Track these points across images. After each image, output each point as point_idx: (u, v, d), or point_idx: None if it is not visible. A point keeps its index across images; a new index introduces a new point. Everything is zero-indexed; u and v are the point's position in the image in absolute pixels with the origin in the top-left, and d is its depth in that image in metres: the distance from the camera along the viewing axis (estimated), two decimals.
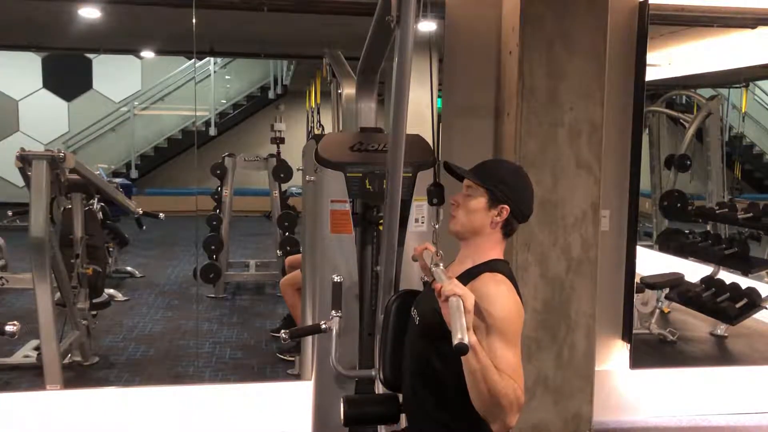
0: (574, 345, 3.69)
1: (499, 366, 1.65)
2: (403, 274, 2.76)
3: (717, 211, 6.12)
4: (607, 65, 3.61)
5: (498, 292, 1.76)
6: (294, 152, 4.64)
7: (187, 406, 3.83)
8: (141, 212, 6.08)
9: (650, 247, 6.84)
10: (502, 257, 1.92)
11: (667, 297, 5.73)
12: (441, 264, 1.90)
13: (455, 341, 1.49)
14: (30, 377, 4.48)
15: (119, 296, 6.58)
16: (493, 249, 1.90)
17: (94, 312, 5.16)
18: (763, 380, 4.33)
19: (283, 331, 2.71)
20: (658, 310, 5.59)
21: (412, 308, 2.02)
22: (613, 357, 4.11)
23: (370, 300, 2.85)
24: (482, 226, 1.88)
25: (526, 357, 3.56)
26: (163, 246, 9.20)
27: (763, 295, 5.44)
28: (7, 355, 4.75)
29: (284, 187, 7.17)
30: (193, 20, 4.25)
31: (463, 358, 1.61)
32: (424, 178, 2.76)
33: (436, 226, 2.06)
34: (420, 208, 2.79)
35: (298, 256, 4.97)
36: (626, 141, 4.02)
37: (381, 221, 2.57)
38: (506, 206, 1.87)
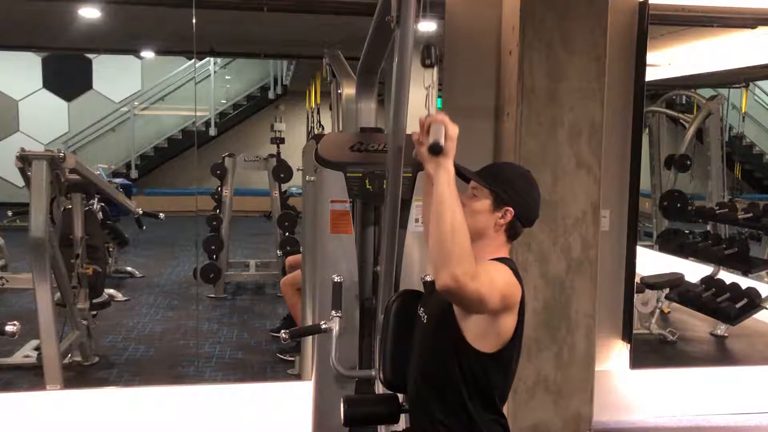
0: (574, 345, 3.68)
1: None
2: (403, 274, 2.76)
3: (717, 211, 6.12)
4: (607, 65, 3.61)
5: (496, 265, 1.79)
6: (294, 152, 4.65)
7: (187, 406, 3.82)
8: (141, 212, 6.09)
9: (650, 247, 6.84)
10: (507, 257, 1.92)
11: (667, 297, 5.73)
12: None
13: (431, 141, 1.55)
14: (30, 377, 4.48)
15: (119, 296, 6.58)
16: (496, 252, 1.89)
17: (94, 312, 5.16)
18: (763, 380, 4.33)
19: (283, 331, 2.71)
20: (658, 310, 5.59)
21: (419, 307, 2.01)
22: (613, 357, 4.11)
23: (370, 300, 2.85)
24: (486, 228, 1.88)
25: (526, 357, 3.57)
26: (163, 246, 9.20)
27: (763, 295, 5.44)
28: (7, 355, 4.76)
29: (284, 187, 7.18)
30: (193, 20, 4.25)
31: (435, 182, 1.65)
32: (422, 188, 2.76)
33: (430, 87, 2.02)
34: (420, 208, 2.79)
35: (298, 256, 4.97)
36: (626, 141, 4.02)
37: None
38: (510, 208, 1.87)
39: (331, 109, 5.73)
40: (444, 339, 1.84)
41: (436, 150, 1.60)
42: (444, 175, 1.64)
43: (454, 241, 1.61)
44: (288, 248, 6.47)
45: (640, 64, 3.97)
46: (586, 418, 3.75)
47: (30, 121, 13.14)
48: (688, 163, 6.70)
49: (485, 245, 1.89)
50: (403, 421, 2.18)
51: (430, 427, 1.90)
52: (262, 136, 10.03)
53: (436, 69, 2.14)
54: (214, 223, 6.91)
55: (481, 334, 1.78)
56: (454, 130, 1.66)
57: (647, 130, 6.86)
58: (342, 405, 2.13)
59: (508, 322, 1.79)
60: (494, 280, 1.71)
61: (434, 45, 1.92)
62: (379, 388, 2.41)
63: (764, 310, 5.48)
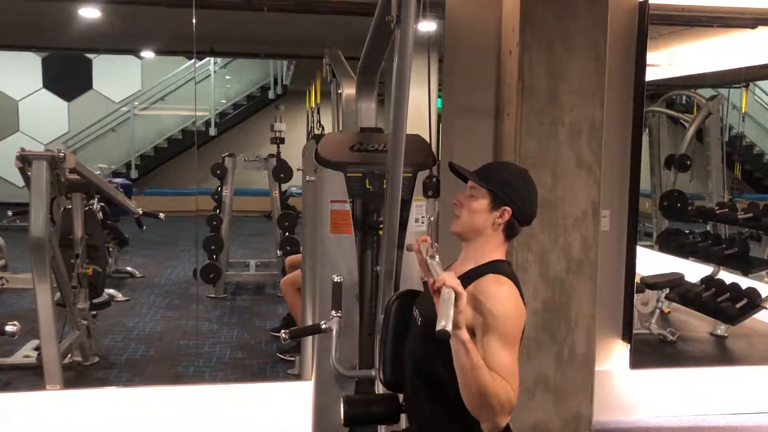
0: (574, 345, 3.69)
1: (492, 365, 1.65)
2: (403, 274, 2.76)
3: (717, 211, 6.12)
4: (607, 65, 3.61)
5: (500, 292, 1.77)
6: (294, 152, 4.65)
7: (187, 406, 3.82)
8: (141, 212, 6.08)
9: (650, 247, 6.84)
10: (504, 258, 1.92)
11: (667, 297, 5.73)
12: (437, 256, 1.89)
13: (438, 327, 1.48)
14: (30, 377, 4.48)
15: (119, 296, 6.58)
16: (495, 251, 1.90)
17: (94, 312, 5.16)
18: (763, 380, 4.33)
19: (283, 331, 2.71)
20: (658, 310, 5.59)
21: (414, 308, 2.01)
22: (613, 357, 4.11)
23: (370, 300, 2.85)
24: (484, 228, 1.88)
25: (526, 357, 3.56)
26: (163, 246, 9.20)
27: (763, 295, 5.44)
28: (7, 355, 4.75)
29: (284, 187, 7.18)
30: (193, 20, 4.25)
31: (453, 353, 1.62)
32: (424, 178, 2.76)
33: (432, 218, 2.05)
34: (420, 208, 2.79)
35: (298, 256, 4.97)
36: (626, 141, 4.02)
37: (381, 226, 2.55)
38: (508, 208, 1.87)
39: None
40: (437, 344, 1.83)
41: (444, 337, 1.49)
42: (460, 347, 1.61)
43: (485, 402, 1.64)
44: (288, 248, 6.47)
45: (640, 64, 3.96)
46: (586, 418, 3.75)
47: (30, 121, 13.13)
48: (688, 163, 6.70)
49: (483, 244, 1.89)
50: (403, 421, 2.18)
51: (426, 426, 1.90)
52: (262, 136, 10.01)
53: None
54: (214, 223, 6.91)
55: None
56: (463, 301, 1.59)
57: (647, 130, 6.85)
58: (342, 405, 2.13)
59: None
60: (513, 366, 1.71)
61: (436, 176, 1.93)
62: (379, 388, 2.41)
63: (764, 310, 5.48)
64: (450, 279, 1.59)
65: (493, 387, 1.63)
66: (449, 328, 1.49)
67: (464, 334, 1.60)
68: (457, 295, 1.58)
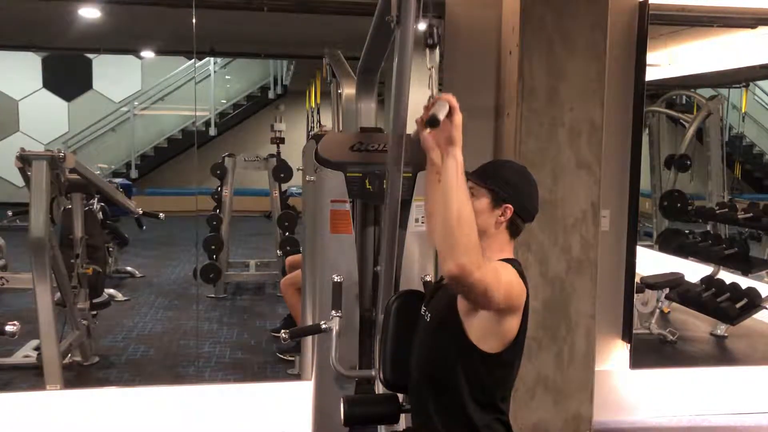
0: (574, 345, 3.69)
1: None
2: (403, 274, 2.76)
3: (717, 211, 6.13)
4: (607, 65, 3.61)
5: (503, 264, 1.80)
6: (294, 152, 4.65)
7: (187, 406, 3.83)
8: (141, 212, 6.08)
9: (650, 247, 6.84)
10: (513, 257, 1.92)
11: (667, 297, 5.73)
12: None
13: (430, 114, 1.52)
14: (30, 377, 4.48)
15: (119, 296, 6.58)
16: (501, 250, 1.89)
17: (94, 312, 5.16)
18: (763, 380, 4.33)
19: (283, 331, 2.71)
20: (658, 310, 5.59)
21: (423, 306, 2.01)
22: (613, 357, 4.11)
23: (370, 300, 2.85)
24: (487, 227, 1.88)
25: (526, 357, 3.55)
26: (163, 246, 9.20)
27: (763, 295, 5.44)
28: (7, 355, 4.75)
29: (284, 187, 7.18)
30: (193, 20, 4.25)
31: (444, 167, 1.63)
32: (425, 178, 2.76)
33: (431, 68, 2.00)
34: (420, 208, 2.79)
35: (299, 256, 4.97)
36: (626, 141, 4.02)
37: None
38: (509, 205, 1.87)
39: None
40: (447, 338, 1.84)
41: (433, 123, 1.54)
42: (452, 163, 1.62)
43: (461, 230, 1.59)
44: (288, 248, 6.47)
45: (640, 64, 3.97)
46: (586, 418, 3.75)
47: (30, 121, 13.14)
48: (688, 163, 6.70)
49: (488, 244, 1.89)
50: (403, 421, 2.18)
51: (430, 427, 1.90)
52: (262, 136, 10.02)
53: (437, 50, 2.13)
54: (214, 223, 6.91)
55: (484, 335, 1.78)
56: (459, 116, 1.62)
57: (647, 130, 6.85)
58: (342, 405, 2.13)
59: (512, 323, 1.79)
60: (500, 276, 1.71)
61: (436, 25, 1.91)
62: (379, 388, 2.41)
63: (764, 310, 5.48)
64: (447, 95, 1.62)
65: (471, 221, 1.61)
66: (441, 117, 1.52)
67: (458, 154, 1.62)
68: (452, 108, 1.60)
